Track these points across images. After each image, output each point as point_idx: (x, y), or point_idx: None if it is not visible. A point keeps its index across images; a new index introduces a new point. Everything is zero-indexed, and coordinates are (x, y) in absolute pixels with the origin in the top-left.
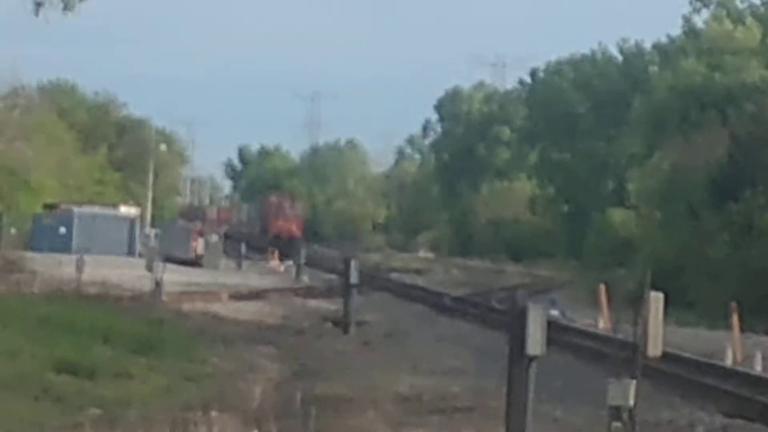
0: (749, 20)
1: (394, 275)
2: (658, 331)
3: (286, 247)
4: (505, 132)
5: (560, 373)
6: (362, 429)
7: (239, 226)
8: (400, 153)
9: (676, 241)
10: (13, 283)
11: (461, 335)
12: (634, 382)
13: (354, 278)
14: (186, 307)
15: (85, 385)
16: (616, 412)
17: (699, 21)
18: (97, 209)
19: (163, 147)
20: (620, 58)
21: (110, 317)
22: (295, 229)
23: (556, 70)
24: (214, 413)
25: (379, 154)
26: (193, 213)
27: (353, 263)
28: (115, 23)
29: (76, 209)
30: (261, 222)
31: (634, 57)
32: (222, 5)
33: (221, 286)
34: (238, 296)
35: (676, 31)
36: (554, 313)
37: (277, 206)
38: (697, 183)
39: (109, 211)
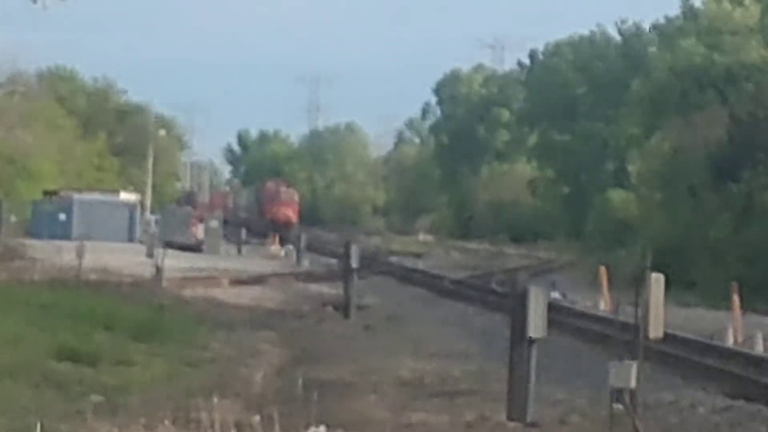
0: (747, 0)
1: (394, 259)
2: (659, 312)
3: (283, 232)
4: (505, 114)
5: (562, 355)
6: (364, 413)
7: (238, 211)
8: (400, 136)
9: (676, 222)
10: (13, 270)
11: (462, 318)
12: (636, 363)
13: (354, 262)
14: (187, 292)
15: (86, 372)
16: (618, 393)
17: (697, 1)
18: (97, 195)
19: (162, 132)
20: (619, 39)
21: (111, 304)
22: (291, 214)
23: (554, 51)
24: (215, 399)
25: (379, 137)
26: (185, 199)
27: (353, 247)
28: (113, 9)
29: (76, 196)
30: (258, 207)
31: (632, 38)
32: None
33: (222, 271)
34: (238, 281)
35: (675, 11)
36: (555, 295)
37: (273, 192)
38: (697, 164)
39: (109, 198)
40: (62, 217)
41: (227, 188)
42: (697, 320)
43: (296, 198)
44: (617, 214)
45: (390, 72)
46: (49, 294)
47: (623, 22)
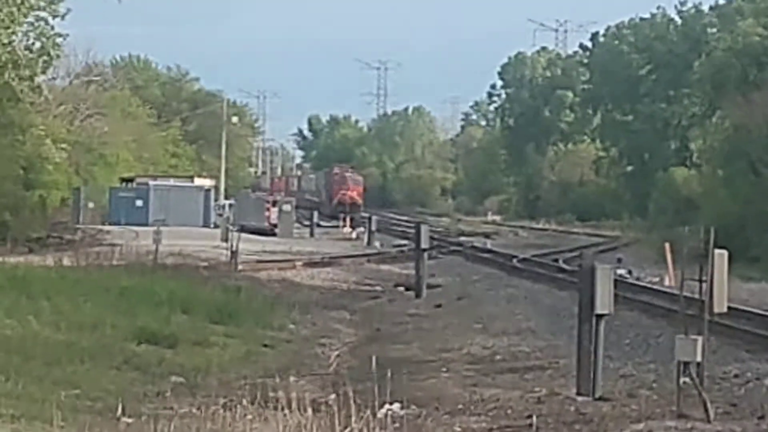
0: None
1: (462, 239)
2: (722, 287)
3: (349, 214)
4: (569, 96)
5: (628, 330)
6: (437, 390)
7: (304, 195)
8: (466, 119)
9: (738, 198)
10: (93, 256)
11: (531, 296)
12: (701, 337)
13: (425, 243)
14: (262, 275)
15: (165, 354)
16: (684, 367)
17: None
18: (172, 181)
19: (235, 119)
20: (679, 20)
21: (188, 287)
22: (356, 197)
23: (616, 34)
24: (291, 378)
25: (446, 120)
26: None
27: (423, 228)
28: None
29: (152, 182)
30: (326, 191)
31: (692, 19)
32: None
33: (295, 253)
34: (312, 263)
35: None
36: (621, 271)
37: (340, 177)
38: (758, 140)
39: (184, 183)
40: (139, 203)
41: (298, 172)
42: (761, 294)
43: (361, 182)
44: (680, 191)
45: (455, 56)
46: (127, 278)
47: (683, 3)
